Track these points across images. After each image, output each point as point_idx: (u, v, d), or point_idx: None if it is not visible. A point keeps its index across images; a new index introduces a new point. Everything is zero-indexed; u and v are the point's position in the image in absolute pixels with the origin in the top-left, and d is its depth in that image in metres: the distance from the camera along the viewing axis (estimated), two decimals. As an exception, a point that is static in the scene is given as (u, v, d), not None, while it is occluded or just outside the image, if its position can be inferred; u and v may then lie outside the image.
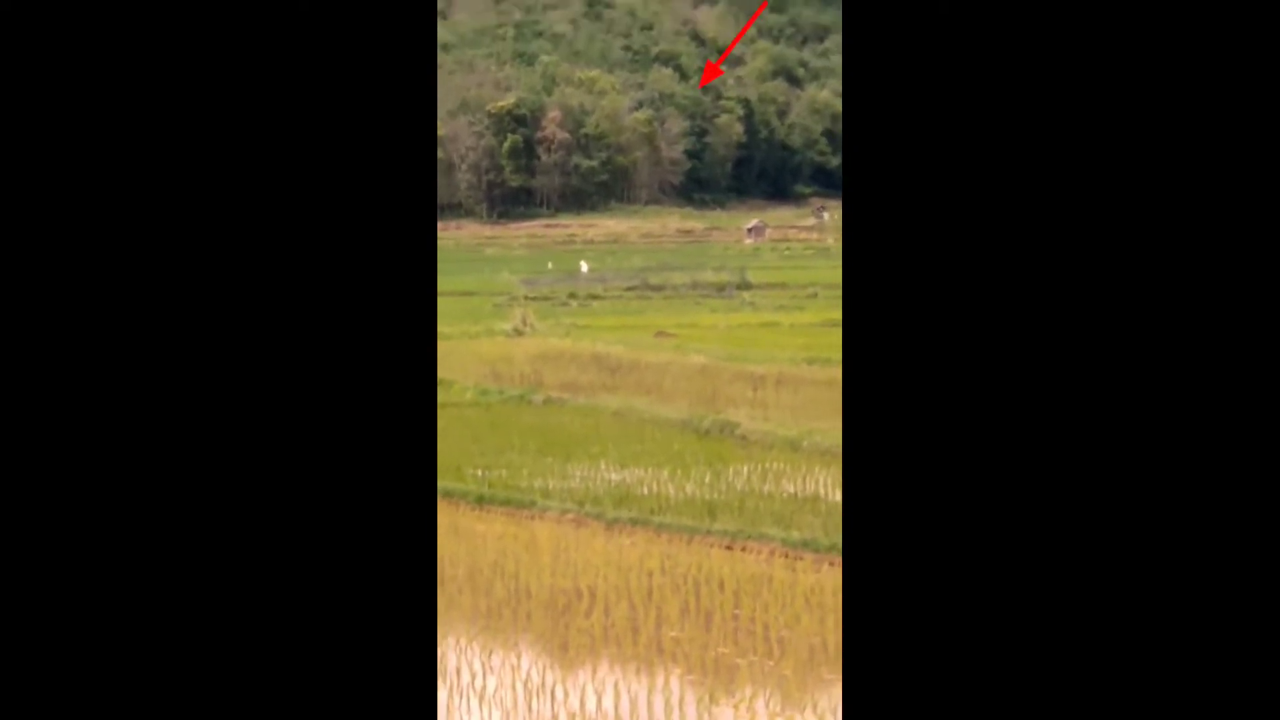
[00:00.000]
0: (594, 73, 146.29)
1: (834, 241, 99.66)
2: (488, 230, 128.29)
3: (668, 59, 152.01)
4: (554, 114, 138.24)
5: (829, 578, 16.24)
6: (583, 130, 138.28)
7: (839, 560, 15.83)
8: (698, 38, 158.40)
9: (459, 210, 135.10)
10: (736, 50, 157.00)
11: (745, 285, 68.05)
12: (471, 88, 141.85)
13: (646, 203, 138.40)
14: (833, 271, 62.73)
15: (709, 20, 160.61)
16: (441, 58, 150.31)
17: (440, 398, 32.15)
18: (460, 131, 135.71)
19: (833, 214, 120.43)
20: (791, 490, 21.76)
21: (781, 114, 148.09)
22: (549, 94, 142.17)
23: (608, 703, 12.85)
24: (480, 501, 21.41)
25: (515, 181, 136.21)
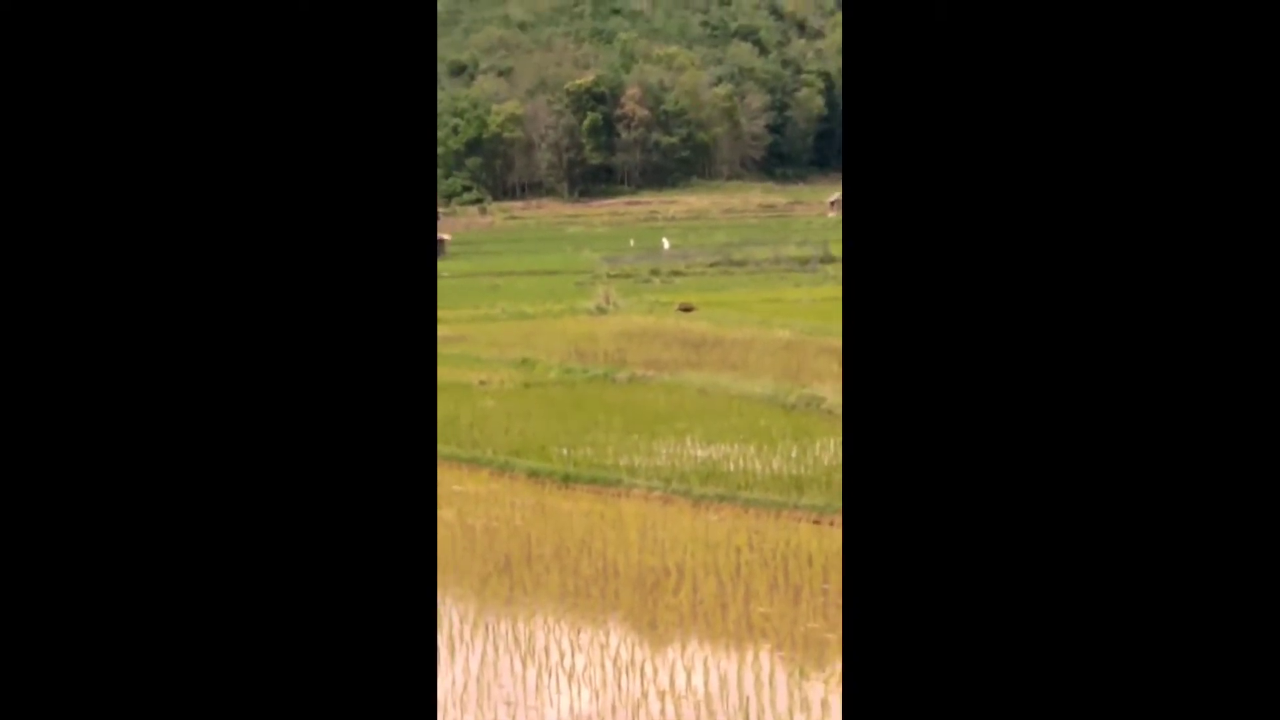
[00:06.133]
0: (673, 49, 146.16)
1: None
2: (569, 209, 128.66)
3: (747, 33, 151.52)
4: (633, 91, 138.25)
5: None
6: (662, 107, 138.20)
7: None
8: (776, 11, 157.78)
9: (540, 189, 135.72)
10: (815, 23, 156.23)
11: (829, 259, 67.56)
12: (550, 66, 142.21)
13: (728, 178, 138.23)
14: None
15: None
16: (519, 36, 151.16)
17: (524, 377, 32.33)
18: (539, 110, 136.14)
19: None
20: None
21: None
22: (628, 71, 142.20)
23: (697, 679, 12.79)
24: (566, 480, 21.42)
25: (596, 159, 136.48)
